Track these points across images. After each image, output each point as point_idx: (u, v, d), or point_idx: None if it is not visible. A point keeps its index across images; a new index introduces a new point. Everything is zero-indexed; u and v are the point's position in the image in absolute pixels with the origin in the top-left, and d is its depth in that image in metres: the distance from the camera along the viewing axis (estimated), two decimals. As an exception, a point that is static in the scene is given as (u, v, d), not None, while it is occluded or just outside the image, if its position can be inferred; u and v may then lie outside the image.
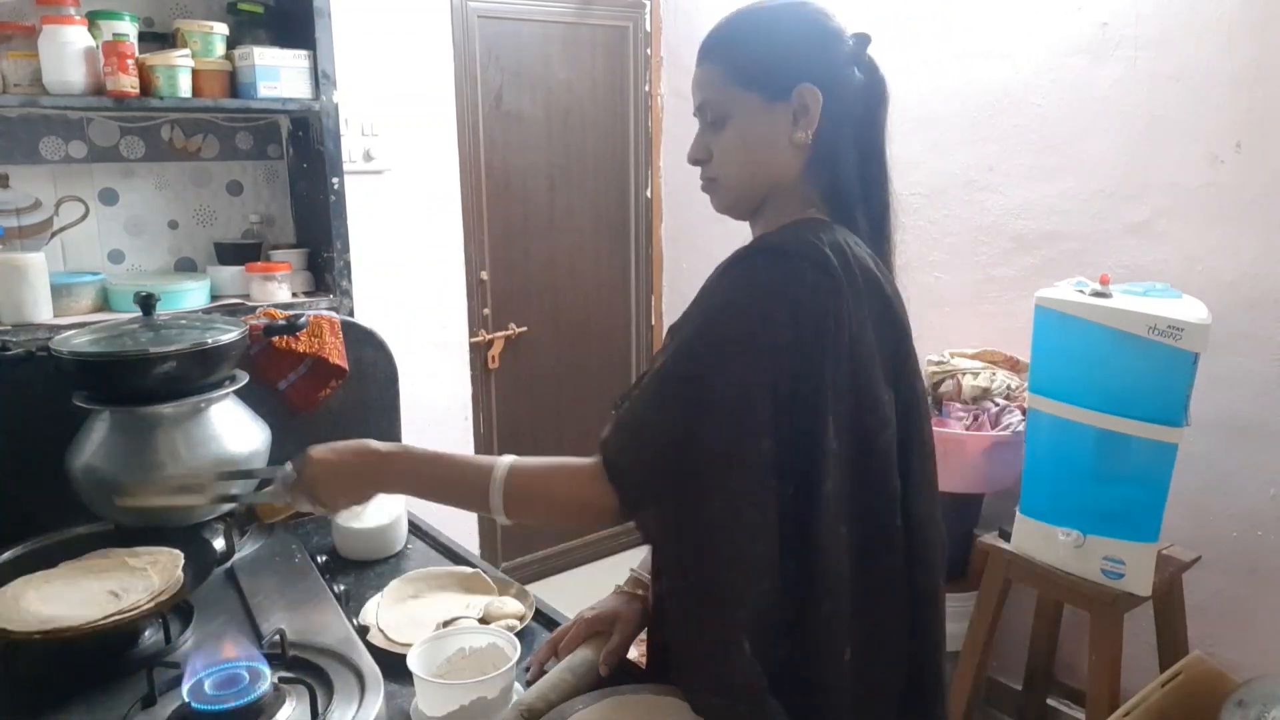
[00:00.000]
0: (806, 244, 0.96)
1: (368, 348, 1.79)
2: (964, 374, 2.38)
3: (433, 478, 1.11)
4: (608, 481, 0.99)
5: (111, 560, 1.26)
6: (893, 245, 1.10)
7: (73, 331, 1.44)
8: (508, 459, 1.06)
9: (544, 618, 1.36)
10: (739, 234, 1.16)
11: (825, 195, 1.04)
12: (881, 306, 1.01)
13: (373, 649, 1.20)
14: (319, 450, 1.10)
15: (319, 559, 1.44)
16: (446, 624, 1.25)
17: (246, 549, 1.46)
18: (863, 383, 0.97)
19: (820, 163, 1.03)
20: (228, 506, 1.35)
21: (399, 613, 1.32)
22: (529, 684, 1.13)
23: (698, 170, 1.10)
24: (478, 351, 3.17)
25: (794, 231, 0.99)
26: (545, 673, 1.13)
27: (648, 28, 3.41)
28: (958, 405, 2.35)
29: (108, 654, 1.16)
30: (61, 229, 2.10)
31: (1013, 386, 2.36)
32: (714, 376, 0.93)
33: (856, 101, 1.03)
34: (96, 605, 1.14)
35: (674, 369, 0.96)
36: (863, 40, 1.04)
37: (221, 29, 2.02)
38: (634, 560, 1.30)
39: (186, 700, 0.99)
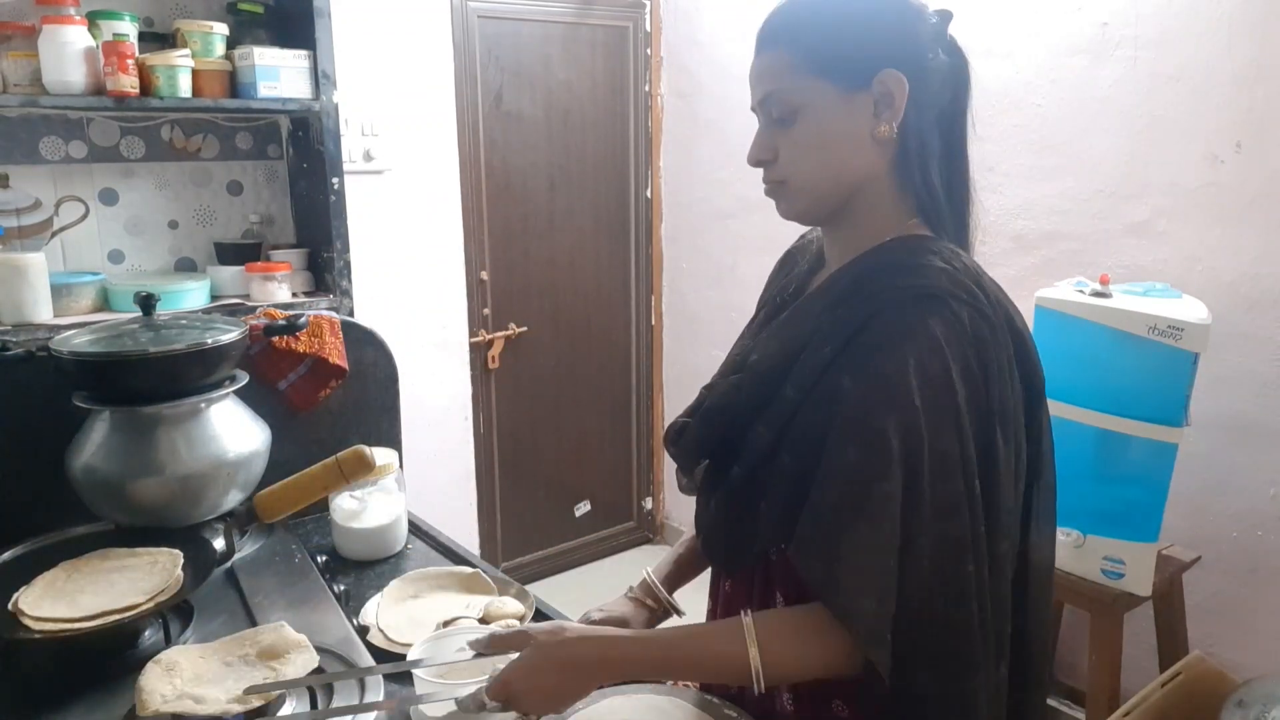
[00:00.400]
0: (957, 284, 0.87)
1: (368, 348, 1.79)
2: (964, 374, 2.38)
3: (670, 667, 0.95)
4: (873, 651, 0.85)
5: (111, 561, 1.26)
6: (974, 252, 0.99)
7: (73, 331, 1.44)
8: (752, 626, 0.88)
9: (544, 618, 1.36)
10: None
11: (914, 198, 0.94)
12: (1018, 340, 0.94)
13: (373, 649, 1.20)
14: (514, 675, 0.91)
15: (319, 559, 1.44)
16: (446, 624, 1.25)
17: (246, 549, 1.46)
18: (1010, 431, 0.90)
19: (908, 159, 0.92)
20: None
21: (399, 613, 1.32)
22: None
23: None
24: (478, 351, 3.17)
25: (939, 270, 0.88)
26: None
27: (648, 28, 3.41)
28: (958, 405, 2.35)
29: (108, 654, 1.16)
30: (61, 229, 2.10)
31: (1013, 386, 2.35)
32: (924, 468, 0.84)
33: (943, 88, 0.93)
34: (101, 604, 1.14)
35: (880, 483, 0.83)
36: (946, 17, 0.94)
37: (221, 29, 2.02)
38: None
39: (186, 700, 0.99)
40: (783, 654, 0.88)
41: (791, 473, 0.90)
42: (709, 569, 1.19)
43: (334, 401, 1.75)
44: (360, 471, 1.27)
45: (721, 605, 1.11)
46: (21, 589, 1.18)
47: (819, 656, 0.88)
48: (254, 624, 1.24)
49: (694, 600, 1.24)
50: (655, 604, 1.22)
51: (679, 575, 1.25)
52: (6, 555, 1.30)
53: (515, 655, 0.94)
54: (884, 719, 0.90)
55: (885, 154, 0.93)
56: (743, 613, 0.90)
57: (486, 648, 0.96)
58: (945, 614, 0.86)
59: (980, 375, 0.86)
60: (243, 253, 2.23)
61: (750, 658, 0.86)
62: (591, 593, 3.55)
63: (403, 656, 1.21)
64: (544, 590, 2.85)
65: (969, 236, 0.99)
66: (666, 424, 3.79)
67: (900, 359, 0.84)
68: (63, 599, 1.16)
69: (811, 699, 0.98)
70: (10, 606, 1.14)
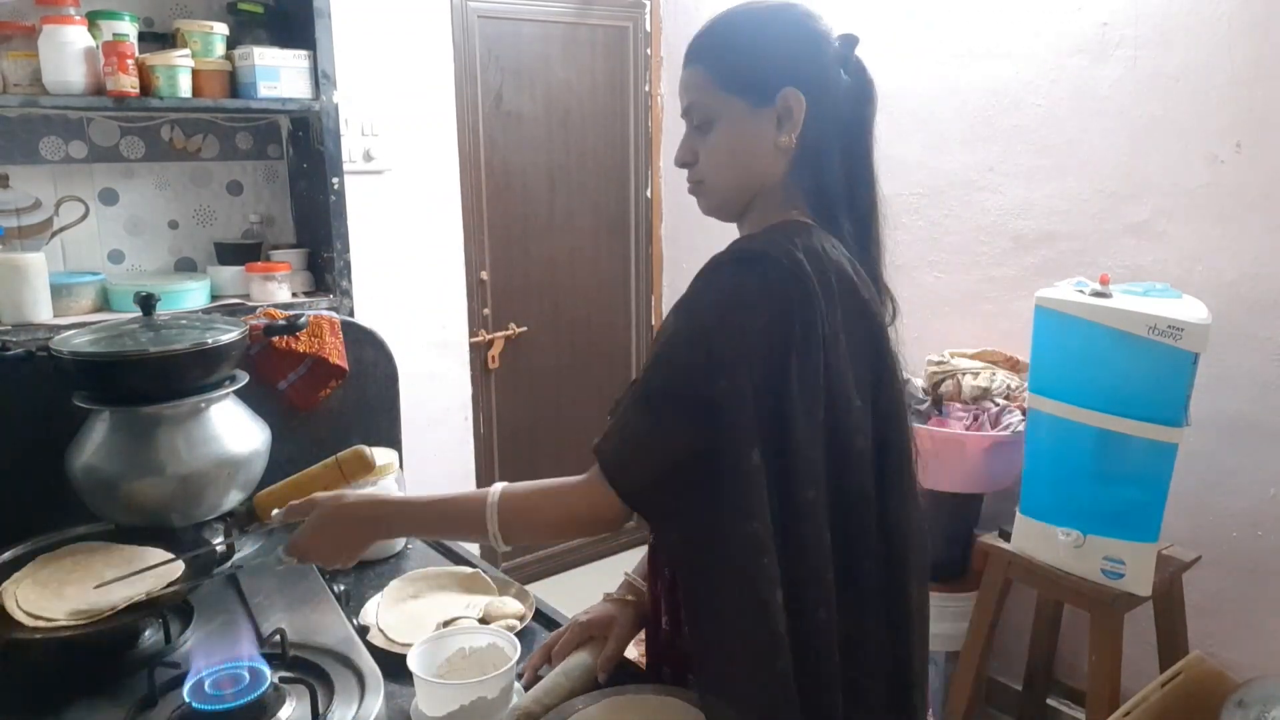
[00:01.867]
0: (778, 248, 0.96)
1: (368, 348, 1.79)
2: (964, 374, 2.38)
3: (427, 520, 1.12)
4: (609, 490, 0.97)
5: (114, 555, 1.27)
6: (881, 247, 1.10)
7: (73, 331, 1.44)
8: (499, 486, 1.04)
9: (544, 618, 1.36)
10: (739, 235, 1.16)
11: (809, 198, 1.04)
12: (857, 311, 1.01)
13: (373, 649, 1.20)
14: (302, 535, 1.10)
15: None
16: (446, 624, 1.25)
17: (246, 549, 1.46)
18: (836, 389, 0.96)
19: (804, 165, 1.03)
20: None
21: (399, 613, 1.32)
22: (526, 689, 1.13)
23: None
24: (478, 351, 3.17)
25: (769, 236, 0.99)
26: (540, 678, 1.13)
27: (648, 28, 3.41)
28: (958, 405, 2.35)
29: (108, 654, 1.16)
30: (61, 229, 2.10)
31: (1013, 386, 2.36)
32: (699, 389, 0.93)
33: (843, 103, 1.04)
34: (101, 599, 1.14)
35: (661, 384, 0.96)
36: (850, 41, 1.04)
37: (221, 29, 2.02)
38: (632, 562, 1.30)
39: (187, 700, 0.99)
40: (522, 487, 1.03)
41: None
42: None
43: (334, 401, 1.75)
44: (360, 471, 1.28)
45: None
46: (21, 583, 1.19)
47: (561, 495, 1.02)
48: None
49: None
50: (637, 597, 1.24)
51: None
52: (6, 555, 1.30)
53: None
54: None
55: (785, 160, 1.03)
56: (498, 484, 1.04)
57: (284, 519, 1.15)
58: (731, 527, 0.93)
59: (778, 327, 0.93)
60: (243, 253, 2.22)
61: (491, 489, 1.02)
62: (591, 593, 3.53)
63: (403, 657, 1.21)
64: (544, 590, 2.85)
65: (872, 235, 1.09)
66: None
67: (703, 297, 0.96)
68: (63, 594, 1.16)
69: None
70: (12, 602, 1.14)
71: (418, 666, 1.07)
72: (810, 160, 1.03)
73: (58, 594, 1.17)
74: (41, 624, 1.11)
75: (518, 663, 1.11)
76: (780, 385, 0.93)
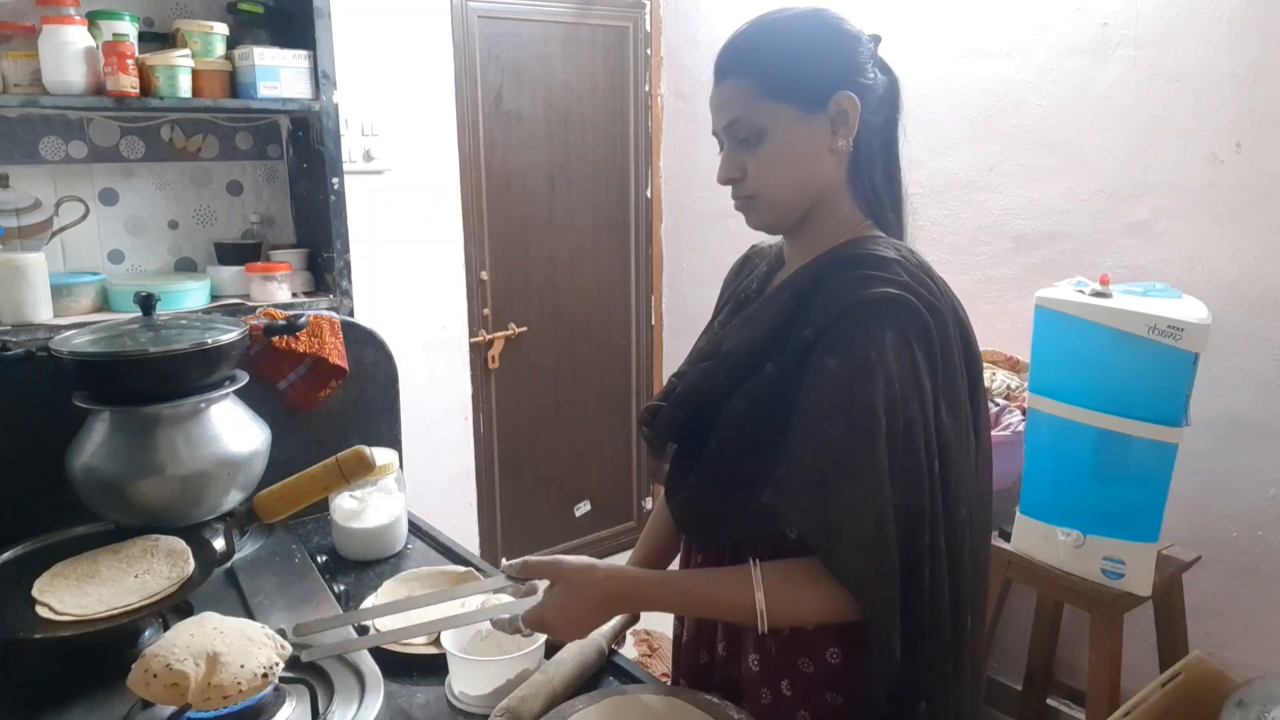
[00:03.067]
0: (918, 280, 0.98)
1: (368, 348, 1.80)
2: (964, 374, 2.38)
3: (685, 594, 1.05)
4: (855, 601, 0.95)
5: (128, 551, 1.28)
6: (909, 242, 1.11)
7: (73, 331, 1.44)
8: (758, 583, 0.98)
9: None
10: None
11: (864, 202, 1.05)
12: (961, 328, 1.04)
13: (372, 649, 1.20)
14: (550, 609, 1.02)
15: (319, 559, 1.45)
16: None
17: (247, 549, 1.46)
18: (958, 409, 1.00)
19: (858, 169, 1.04)
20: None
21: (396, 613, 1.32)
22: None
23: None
24: (478, 351, 3.17)
25: (885, 258, 0.99)
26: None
27: (648, 28, 3.41)
28: (958, 405, 2.35)
29: (108, 654, 1.16)
30: (61, 229, 2.10)
31: (1013, 386, 2.36)
32: (899, 443, 0.94)
33: (881, 104, 1.04)
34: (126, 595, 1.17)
35: (864, 459, 0.93)
36: (876, 40, 1.06)
37: (221, 29, 2.02)
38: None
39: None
40: (784, 599, 0.97)
41: (772, 444, 0.98)
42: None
43: (334, 401, 1.75)
44: (360, 471, 1.28)
45: None
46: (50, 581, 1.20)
47: (816, 604, 0.98)
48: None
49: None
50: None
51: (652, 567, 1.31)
52: (6, 555, 1.30)
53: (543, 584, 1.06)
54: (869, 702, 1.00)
55: (840, 166, 1.04)
56: (751, 561, 0.99)
57: (519, 572, 1.06)
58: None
59: (937, 361, 0.97)
60: (243, 253, 2.22)
61: (756, 601, 0.96)
62: (591, 593, 3.54)
63: (403, 656, 1.21)
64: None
65: (905, 232, 1.11)
66: (666, 424, 3.80)
67: (879, 342, 0.94)
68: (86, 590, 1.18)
69: (805, 688, 1.06)
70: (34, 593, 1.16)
71: (454, 647, 1.12)
72: (862, 163, 1.04)
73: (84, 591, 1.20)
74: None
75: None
76: (939, 418, 0.97)
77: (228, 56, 2.04)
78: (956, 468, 0.98)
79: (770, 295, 1.09)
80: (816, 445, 0.94)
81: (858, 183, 1.04)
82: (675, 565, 1.26)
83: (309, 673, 1.08)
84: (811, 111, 1.00)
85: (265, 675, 0.99)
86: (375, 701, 1.05)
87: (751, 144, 1.02)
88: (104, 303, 2.03)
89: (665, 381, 1.16)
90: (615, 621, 1.24)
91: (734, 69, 1.03)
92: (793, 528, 0.97)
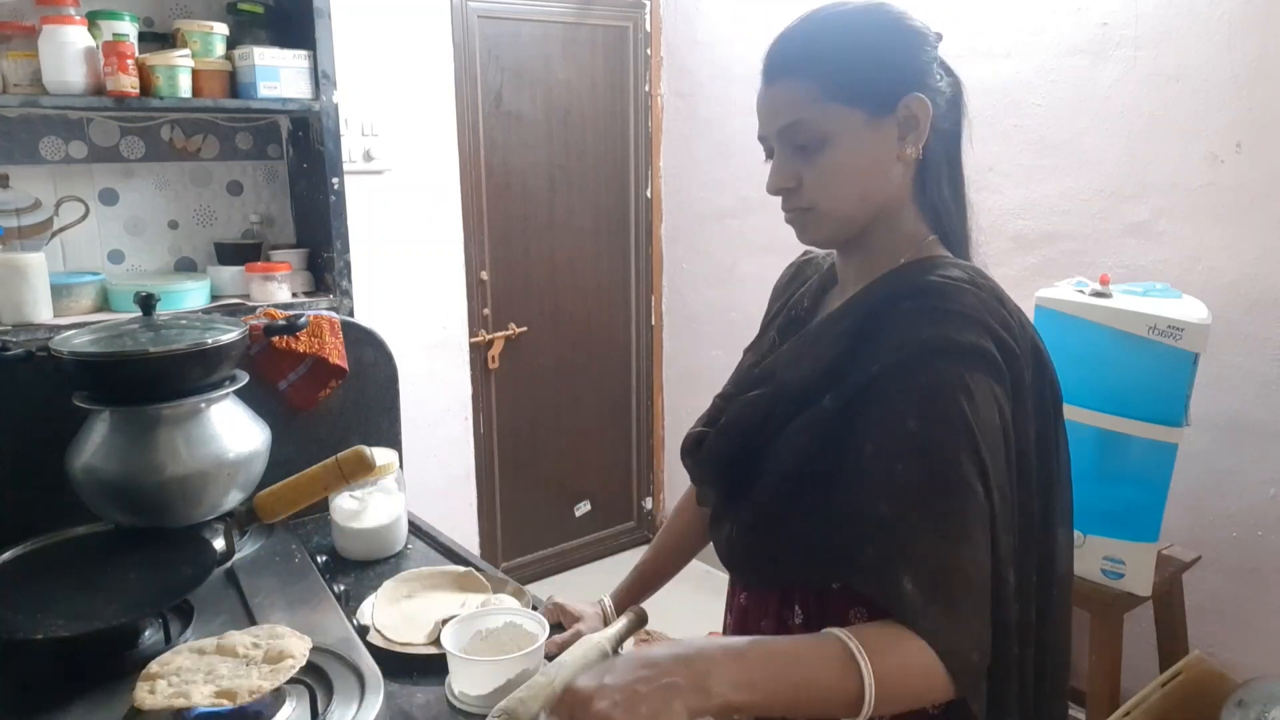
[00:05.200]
0: (991, 312, 0.89)
1: (368, 348, 1.79)
2: (964, 374, 2.38)
3: (777, 689, 0.80)
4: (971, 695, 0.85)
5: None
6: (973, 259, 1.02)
7: (73, 331, 1.44)
8: (867, 674, 0.80)
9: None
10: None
11: (930, 217, 0.98)
12: (1038, 357, 0.98)
13: (372, 649, 1.20)
14: (613, 685, 0.78)
15: (319, 559, 1.44)
16: (445, 622, 1.25)
17: (246, 549, 1.46)
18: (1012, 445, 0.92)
19: (925, 180, 0.96)
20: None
21: (395, 613, 1.32)
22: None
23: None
24: (478, 351, 3.17)
25: (957, 286, 0.90)
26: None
27: (648, 28, 3.41)
28: (958, 405, 2.35)
29: (108, 654, 1.16)
30: (61, 229, 2.10)
31: (1013, 386, 2.35)
32: (974, 501, 0.85)
33: (949, 107, 0.96)
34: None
35: (953, 518, 0.84)
36: (939, 39, 0.98)
37: (221, 29, 2.02)
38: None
39: (186, 700, 0.99)
40: (894, 689, 0.81)
41: (825, 484, 0.91)
42: (673, 577, 1.31)
43: (334, 401, 1.75)
44: (360, 471, 1.27)
45: (735, 616, 1.12)
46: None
47: (925, 691, 0.84)
48: (254, 624, 1.24)
49: (709, 605, 1.24)
50: (605, 612, 1.28)
51: (644, 588, 1.31)
52: (6, 555, 1.30)
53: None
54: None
55: (906, 176, 0.95)
56: (851, 642, 0.81)
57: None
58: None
59: (1005, 399, 0.89)
60: (243, 253, 2.22)
61: (866, 690, 0.79)
62: (591, 593, 3.54)
63: (403, 656, 1.21)
64: (544, 590, 2.84)
65: (971, 248, 1.01)
66: (666, 424, 3.80)
67: (956, 382, 0.85)
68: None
69: None
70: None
71: (454, 647, 1.11)
72: (930, 172, 0.96)
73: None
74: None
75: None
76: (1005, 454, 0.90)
77: (228, 56, 2.04)
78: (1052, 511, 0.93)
79: (827, 321, 0.99)
80: (894, 502, 0.85)
81: (924, 195, 0.96)
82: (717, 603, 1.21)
83: (308, 673, 1.08)
84: (880, 116, 0.91)
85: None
86: (375, 701, 1.05)
87: (811, 151, 0.92)
88: (104, 303, 2.03)
89: (710, 404, 1.09)
90: (621, 624, 1.23)
91: (792, 68, 0.92)
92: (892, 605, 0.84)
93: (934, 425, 0.85)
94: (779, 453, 0.94)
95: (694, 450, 1.04)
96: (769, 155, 0.97)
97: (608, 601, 1.29)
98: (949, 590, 0.83)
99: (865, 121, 0.91)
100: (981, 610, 0.84)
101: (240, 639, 1.09)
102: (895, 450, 0.86)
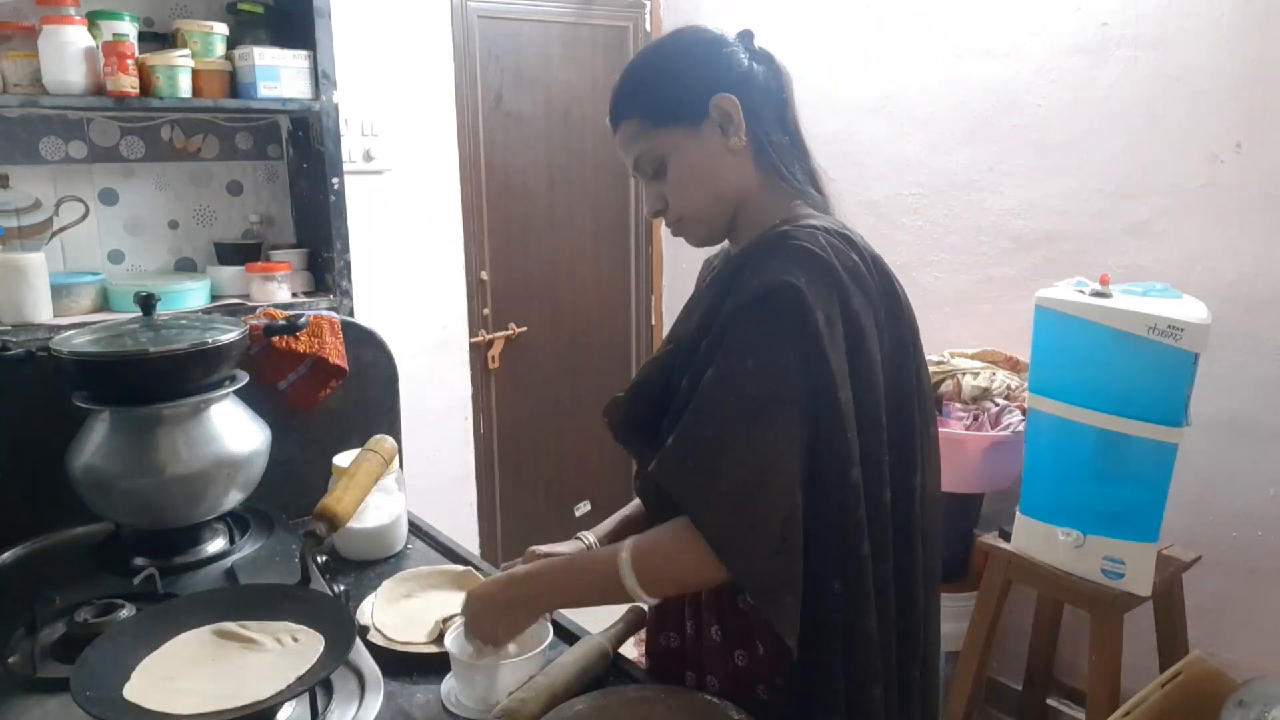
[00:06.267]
0: (830, 234, 0.98)
1: (368, 348, 1.79)
2: (964, 374, 2.38)
3: (570, 586, 1.09)
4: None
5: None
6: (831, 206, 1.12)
7: (73, 331, 1.44)
8: (628, 544, 1.01)
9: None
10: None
11: (786, 185, 1.07)
12: (893, 304, 1.04)
13: (372, 649, 1.20)
14: (476, 589, 1.13)
15: (319, 559, 1.44)
16: (446, 621, 1.25)
17: (246, 549, 1.47)
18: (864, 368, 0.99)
19: (764, 160, 1.06)
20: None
21: (395, 612, 1.32)
22: None
23: None
24: (478, 351, 3.17)
25: (806, 232, 0.98)
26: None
27: (648, 28, 3.41)
28: (958, 405, 2.35)
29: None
30: (61, 229, 2.10)
31: (1013, 386, 2.36)
32: (775, 427, 0.94)
33: (766, 92, 1.06)
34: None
35: (738, 432, 0.93)
36: (746, 35, 1.08)
37: (221, 29, 2.02)
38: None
39: (186, 700, 0.99)
40: (652, 566, 0.99)
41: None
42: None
43: (334, 401, 1.75)
44: (390, 454, 1.35)
45: None
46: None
47: (686, 568, 0.98)
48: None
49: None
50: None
51: (627, 529, 1.31)
52: (6, 555, 1.30)
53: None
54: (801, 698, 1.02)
55: (746, 163, 1.06)
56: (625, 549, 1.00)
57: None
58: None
59: (839, 315, 0.96)
60: (243, 253, 2.22)
61: (621, 550, 1.00)
62: (591, 593, 3.55)
63: (404, 655, 1.21)
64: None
65: (830, 205, 1.10)
66: (666, 424, 3.80)
67: (761, 335, 0.94)
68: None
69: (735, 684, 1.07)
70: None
71: (458, 650, 1.11)
72: (764, 150, 1.06)
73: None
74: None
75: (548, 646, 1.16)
76: (834, 390, 0.95)
77: (228, 56, 2.04)
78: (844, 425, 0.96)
79: (710, 280, 1.13)
80: (710, 388, 0.95)
81: (765, 170, 1.06)
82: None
83: (309, 673, 1.08)
84: (697, 123, 1.03)
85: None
86: (375, 701, 1.05)
87: (660, 173, 1.06)
88: (104, 303, 2.03)
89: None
90: (621, 624, 1.24)
91: (621, 111, 1.08)
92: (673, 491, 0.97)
93: (760, 354, 0.94)
94: (675, 402, 1.02)
95: (612, 413, 1.12)
96: (633, 181, 1.07)
97: (590, 537, 1.31)
98: (723, 464, 0.93)
99: (687, 133, 1.04)
100: (766, 508, 0.93)
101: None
102: (726, 374, 0.95)
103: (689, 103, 1.03)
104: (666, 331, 1.26)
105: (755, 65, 1.06)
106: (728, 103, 1.02)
